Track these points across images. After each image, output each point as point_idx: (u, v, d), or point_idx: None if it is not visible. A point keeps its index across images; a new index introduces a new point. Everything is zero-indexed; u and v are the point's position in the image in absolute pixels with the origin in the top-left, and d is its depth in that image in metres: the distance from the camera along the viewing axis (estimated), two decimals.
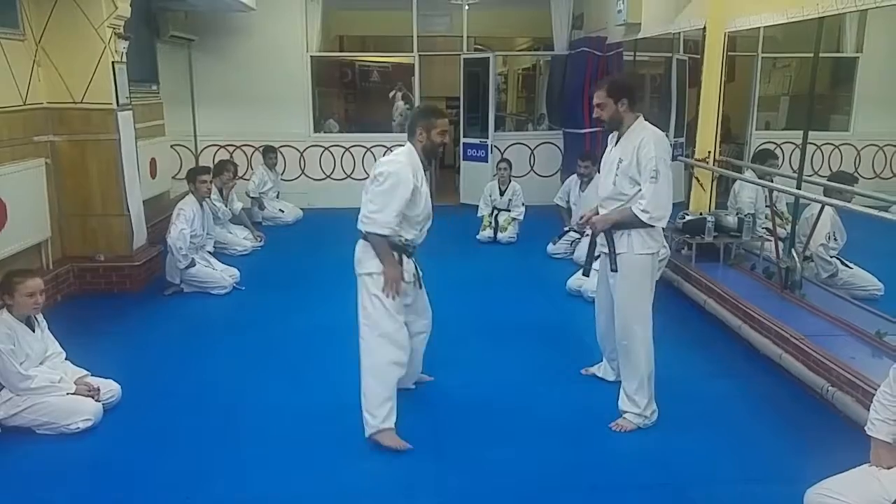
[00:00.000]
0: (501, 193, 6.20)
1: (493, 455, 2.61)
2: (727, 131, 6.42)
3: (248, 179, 6.89)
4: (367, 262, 2.67)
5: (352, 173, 7.58)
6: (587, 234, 5.24)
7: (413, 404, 3.01)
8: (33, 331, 2.85)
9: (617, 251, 2.73)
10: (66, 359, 2.98)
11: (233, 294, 4.62)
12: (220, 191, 5.71)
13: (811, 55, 3.86)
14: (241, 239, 5.75)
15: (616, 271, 2.74)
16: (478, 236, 6.12)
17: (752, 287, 4.04)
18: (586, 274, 2.98)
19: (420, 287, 2.86)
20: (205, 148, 7.47)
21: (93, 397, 2.83)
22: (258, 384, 3.18)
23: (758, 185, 4.65)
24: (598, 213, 2.84)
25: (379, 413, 2.62)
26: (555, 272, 5.00)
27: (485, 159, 7.57)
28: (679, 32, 5.83)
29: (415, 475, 2.49)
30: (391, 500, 2.38)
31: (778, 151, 6.06)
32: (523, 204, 6.16)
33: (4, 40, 3.98)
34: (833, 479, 2.05)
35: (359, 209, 2.65)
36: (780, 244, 3.97)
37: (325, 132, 7.93)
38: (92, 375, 2.95)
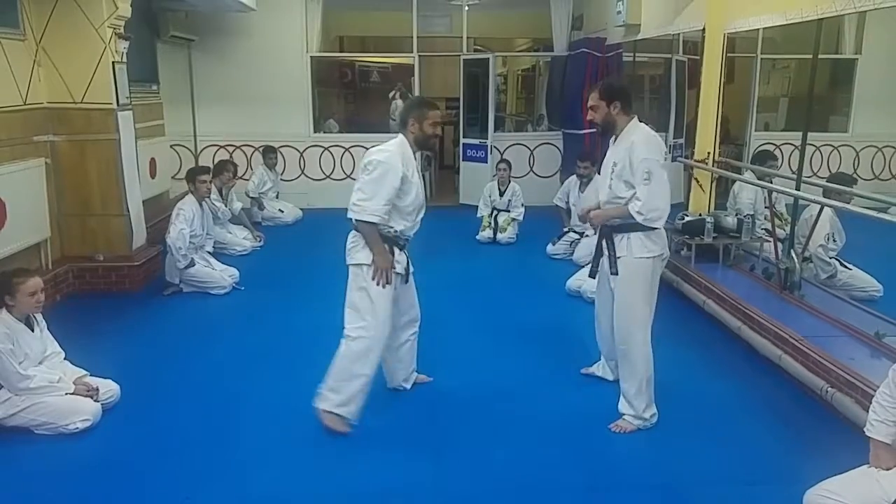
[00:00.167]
0: (501, 194, 6.20)
1: (492, 455, 2.61)
2: (726, 132, 6.43)
3: (247, 179, 6.89)
4: (356, 253, 2.69)
5: (351, 173, 7.57)
6: (587, 235, 5.28)
7: (413, 405, 3.02)
8: (32, 330, 2.84)
9: (617, 254, 2.73)
10: (65, 359, 2.97)
11: (232, 294, 4.62)
12: (220, 191, 5.71)
13: (810, 57, 3.87)
14: (241, 239, 5.75)
15: (616, 274, 2.74)
16: (477, 237, 6.12)
17: (751, 288, 4.04)
18: (592, 276, 2.98)
19: (408, 281, 2.86)
20: (204, 148, 7.47)
21: (92, 397, 2.82)
22: (258, 384, 3.18)
23: (757, 186, 4.66)
24: (598, 208, 2.86)
25: (335, 395, 2.67)
26: (554, 273, 5.00)
27: (484, 160, 7.58)
28: (678, 34, 5.84)
29: (414, 475, 2.49)
30: (391, 500, 2.38)
31: (777, 152, 6.06)
32: (523, 204, 6.16)
33: (5, 40, 3.98)
34: (832, 481, 2.05)
35: None
36: (780, 245, 3.98)
37: (324, 132, 7.93)
38: (91, 375, 2.94)
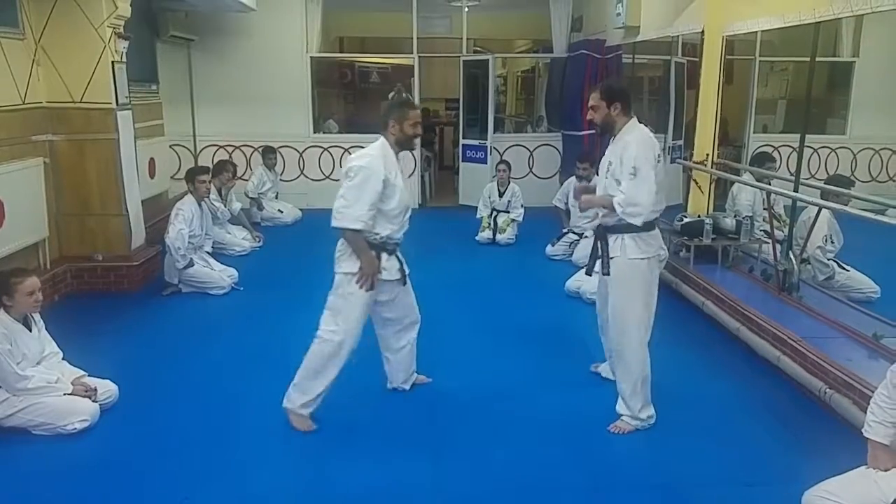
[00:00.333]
0: (500, 195, 6.21)
1: (492, 456, 2.62)
2: (725, 134, 6.44)
3: (246, 180, 6.89)
4: (343, 261, 2.70)
5: None
6: (586, 236, 5.29)
7: (412, 405, 3.02)
8: (30, 330, 2.84)
9: (610, 255, 2.73)
10: (63, 359, 2.97)
11: (231, 294, 4.61)
12: (219, 191, 5.71)
13: (808, 59, 3.88)
14: (240, 239, 5.74)
15: (608, 275, 2.75)
16: (477, 237, 6.12)
17: (749, 289, 4.05)
18: (589, 273, 2.99)
19: (405, 284, 2.85)
20: (204, 148, 7.46)
21: (90, 398, 2.82)
22: (256, 384, 3.17)
23: (756, 187, 4.67)
24: (592, 192, 2.86)
25: (300, 396, 2.74)
26: (554, 273, 5.00)
27: (484, 161, 7.58)
28: (678, 36, 5.85)
29: (413, 476, 2.49)
30: (391, 500, 2.38)
31: (775, 154, 6.08)
32: (522, 205, 6.17)
33: (4, 39, 3.98)
34: (830, 482, 2.05)
35: None
36: (778, 247, 3.98)
37: (324, 133, 7.93)
38: (89, 376, 2.94)
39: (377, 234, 2.68)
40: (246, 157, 7.49)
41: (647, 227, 2.70)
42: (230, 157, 7.20)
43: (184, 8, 6.45)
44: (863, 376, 2.76)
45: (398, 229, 2.76)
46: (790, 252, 3.88)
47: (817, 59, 3.85)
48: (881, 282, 4.18)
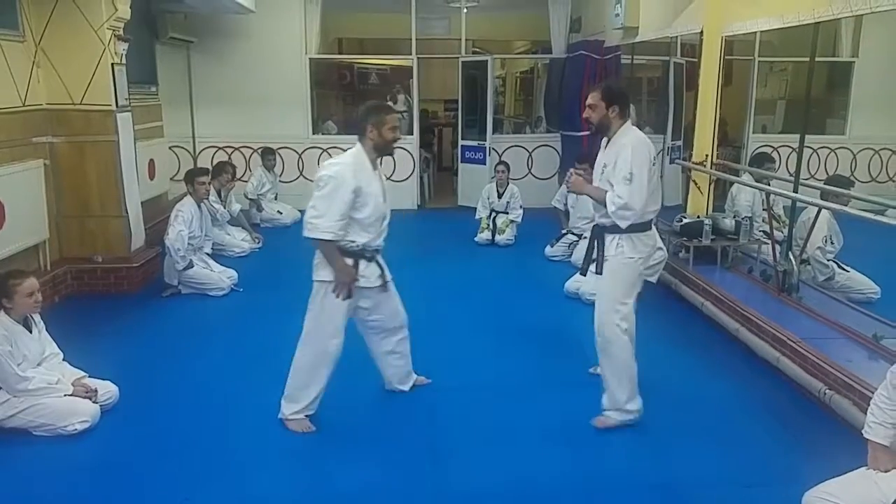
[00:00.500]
0: (499, 196, 6.21)
1: (491, 457, 2.62)
2: (724, 134, 6.45)
3: (246, 181, 6.89)
4: (321, 269, 2.69)
5: None
6: (585, 237, 5.28)
7: (412, 406, 3.02)
8: (30, 332, 2.84)
9: (606, 255, 2.73)
10: (63, 360, 2.97)
11: (231, 296, 4.61)
12: (219, 192, 5.71)
13: (807, 60, 3.89)
14: (240, 240, 5.74)
15: (600, 274, 2.76)
16: (476, 238, 6.13)
17: (749, 290, 4.06)
18: (583, 273, 3.00)
19: (386, 290, 2.84)
20: (203, 149, 7.46)
21: (90, 399, 2.82)
22: (256, 385, 3.17)
23: (755, 188, 4.67)
24: (586, 180, 2.83)
25: (292, 406, 2.76)
26: (553, 274, 5.00)
27: (483, 162, 7.59)
28: (676, 36, 5.86)
29: (413, 477, 2.49)
30: (390, 501, 2.38)
31: (775, 155, 6.09)
32: (521, 206, 6.18)
33: (4, 41, 3.98)
34: (831, 483, 2.05)
35: None
36: (777, 247, 3.99)
37: (323, 134, 7.93)
38: (89, 377, 2.94)
39: (354, 241, 2.66)
40: (245, 158, 7.49)
41: (643, 227, 2.70)
42: (229, 158, 7.21)
43: (183, 10, 6.45)
44: (863, 377, 2.76)
45: (376, 237, 2.73)
46: (790, 253, 3.88)
47: (817, 59, 3.85)
48: (881, 282, 4.18)
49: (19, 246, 4.05)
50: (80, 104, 4.40)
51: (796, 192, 3.83)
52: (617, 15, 5.89)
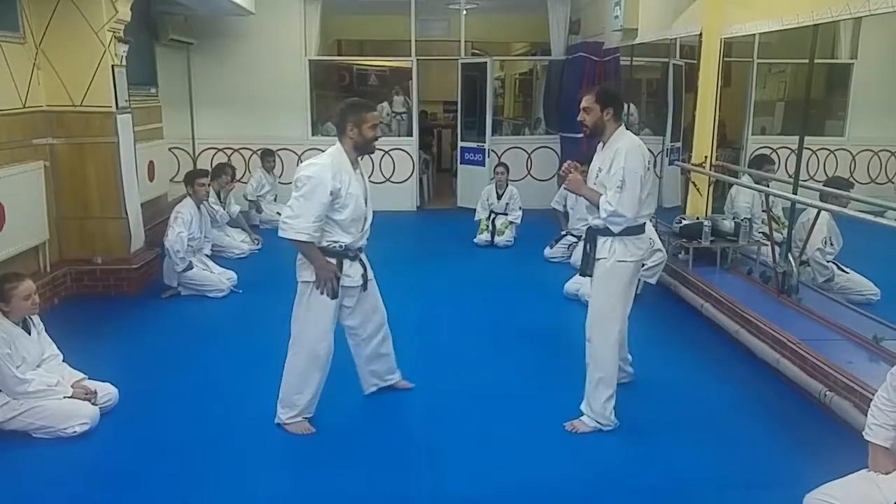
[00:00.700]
0: (499, 197, 6.22)
1: (490, 459, 2.61)
2: (723, 136, 6.47)
3: (245, 182, 6.89)
4: (304, 270, 2.69)
5: None
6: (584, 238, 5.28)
7: (411, 408, 3.02)
8: (29, 333, 2.83)
9: (598, 256, 2.73)
10: (63, 361, 2.96)
11: (230, 297, 4.61)
12: (218, 194, 5.70)
13: (806, 61, 3.90)
14: (239, 242, 5.74)
15: (591, 276, 2.75)
16: (475, 240, 6.13)
17: (748, 291, 4.06)
18: (582, 274, 2.99)
19: (366, 289, 2.82)
20: (203, 151, 7.46)
21: (90, 401, 2.81)
22: (256, 387, 3.16)
23: (754, 189, 4.68)
24: (577, 176, 2.79)
25: (288, 410, 2.75)
26: (552, 276, 5.00)
27: (482, 163, 7.59)
28: (675, 38, 5.87)
29: (411, 479, 2.49)
30: (389, 503, 2.37)
31: (774, 156, 6.10)
32: (520, 208, 6.18)
33: (4, 43, 3.98)
34: (832, 485, 2.05)
35: None
36: (777, 249, 3.99)
37: (322, 135, 7.93)
38: (89, 378, 2.93)
39: (337, 241, 2.65)
40: (245, 159, 7.49)
41: (636, 230, 2.70)
42: (229, 159, 7.22)
43: (183, 12, 6.46)
44: (863, 379, 2.76)
45: (358, 238, 2.71)
46: (789, 254, 3.89)
47: (816, 61, 3.86)
48: (881, 284, 4.19)
49: (19, 247, 4.05)
50: (81, 106, 4.40)
51: (795, 194, 3.83)
52: (616, 17, 5.90)
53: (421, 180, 8.06)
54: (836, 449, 2.52)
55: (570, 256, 5.45)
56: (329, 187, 2.54)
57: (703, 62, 4.65)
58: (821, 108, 7.72)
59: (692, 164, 4.80)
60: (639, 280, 4.11)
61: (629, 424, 2.81)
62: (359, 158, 2.71)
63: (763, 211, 4.60)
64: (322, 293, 2.64)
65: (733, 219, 4.57)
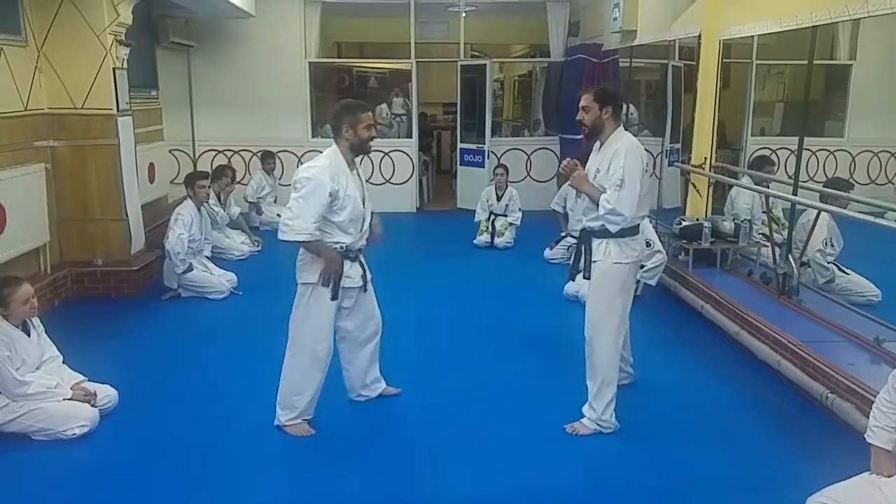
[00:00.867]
0: (498, 199, 6.22)
1: (490, 461, 2.61)
2: (723, 137, 6.47)
3: (246, 184, 6.89)
4: (304, 271, 2.69)
5: None
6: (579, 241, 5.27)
7: (410, 410, 3.02)
8: (29, 335, 2.83)
9: (594, 258, 2.73)
10: (63, 362, 2.96)
11: (230, 299, 4.61)
12: (218, 196, 5.71)
13: (805, 62, 3.90)
14: (239, 244, 5.75)
15: (588, 278, 2.75)
16: (475, 241, 6.13)
17: (749, 293, 4.05)
18: (572, 278, 2.99)
19: (366, 290, 2.83)
20: (203, 153, 7.47)
21: (89, 402, 2.81)
22: (255, 389, 3.15)
23: (754, 191, 4.68)
24: (582, 171, 2.77)
25: (288, 412, 2.74)
26: (551, 277, 5.00)
27: (481, 165, 7.60)
28: (675, 40, 5.87)
29: (412, 481, 2.48)
30: None
31: (773, 157, 6.10)
32: (520, 209, 6.18)
33: (6, 46, 3.99)
34: (834, 487, 2.04)
35: None
36: (777, 250, 3.99)
37: (322, 137, 7.93)
38: (89, 380, 2.93)
39: (338, 243, 2.65)
40: (245, 161, 7.50)
41: (631, 231, 2.69)
42: (229, 161, 7.22)
43: (184, 15, 6.47)
44: (865, 381, 2.76)
45: (358, 238, 2.72)
46: (789, 255, 3.88)
47: (814, 62, 3.86)
48: (882, 285, 4.18)
49: (20, 249, 4.05)
50: (82, 108, 4.41)
51: (795, 195, 3.83)
52: (615, 18, 5.91)
53: (420, 182, 8.06)
54: (838, 451, 2.52)
55: (569, 258, 5.44)
56: (328, 189, 2.55)
57: (702, 63, 4.66)
58: (820, 109, 7.72)
59: (692, 166, 4.81)
60: (639, 281, 4.13)
61: (629, 426, 2.80)
62: (355, 159, 2.72)
63: (763, 212, 4.60)
64: (328, 286, 2.63)
65: (733, 220, 4.57)
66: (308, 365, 2.72)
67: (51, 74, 4.33)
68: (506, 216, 6.17)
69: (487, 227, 6.14)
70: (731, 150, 7.37)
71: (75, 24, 4.29)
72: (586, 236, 2.78)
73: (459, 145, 7.95)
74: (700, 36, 4.68)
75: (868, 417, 2.10)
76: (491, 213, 6.22)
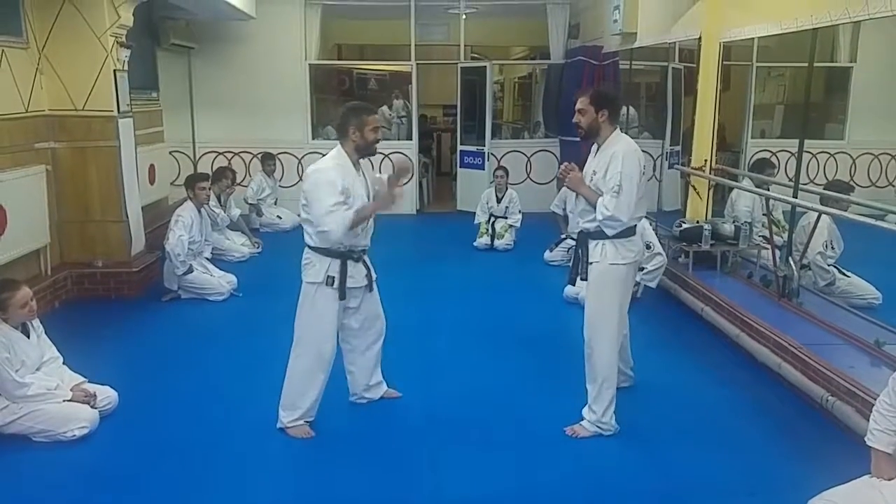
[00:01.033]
0: (498, 201, 6.22)
1: (490, 463, 2.61)
2: (723, 139, 6.46)
3: (246, 186, 6.90)
4: (309, 270, 2.70)
5: None
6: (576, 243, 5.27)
7: (410, 412, 3.01)
8: (28, 337, 2.83)
9: (591, 260, 2.72)
10: (63, 364, 2.96)
11: (230, 300, 4.61)
12: (219, 197, 5.71)
13: (805, 65, 3.90)
14: (239, 245, 5.75)
15: (585, 280, 2.75)
16: (475, 243, 6.13)
17: (749, 295, 4.05)
18: (572, 283, 2.99)
19: (371, 290, 2.83)
20: (203, 154, 7.48)
21: (89, 404, 2.81)
22: (256, 390, 3.16)
23: (754, 193, 4.68)
24: (578, 173, 2.78)
25: (290, 413, 2.75)
26: (552, 279, 5.00)
27: (481, 167, 7.60)
28: (675, 42, 5.88)
29: (412, 482, 2.48)
30: None
31: (773, 160, 6.10)
32: (520, 211, 6.19)
33: (8, 48, 4.00)
34: (834, 491, 2.04)
35: None
36: (777, 252, 3.99)
37: (323, 139, 7.94)
38: (89, 382, 2.93)
39: (342, 242, 2.65)
40: (245, 163, 7.50)
41: (628, 233, 2.69)
42: (229, 163, 7.23)
43: (184, 17, 6.48)
44: (865, 384, 2.75)
45: (363, 237, 2.73)
46: (790, 258, 3.88)
47: (815, 64, 3.86)
48: (882, 288, 4.17)
49: (20, 251, 4.05)
50: (83, 110, 4.41)
51: (796, 197, 3.83)
52: (615, 21, 5.91)
53: (421, 184, 8.07)
54: (838, 454, 2.52)
55: (569, 260, 5.43)
56: (339, 184, 2.57)
57: (702, 66, 4.66)
58: (820, 112, 7.72)
59: (692, 168, 4.81)
60: (639, 283, 4.13)
61: (629, 429, 2.80)
62: (360, 160, 2.73)
63: (763, 214, 4.60)
64: (331, 286, 2.64)
65: (733, 222, 4.57)
66: (312, 365, 2.73)
67: (52, 76, 4.34)
68: (506, 218, 6.17)
69: (487, 230, 6.15)
70: (732, 153, 7.37)
71: (76, 25, 4.29)
72: (583, 238, 2.78)
73: (459, 147, 7.96)
74: (700, 38, 4.68)
75: (868, 420, 2.10)
76: (491, 215, 6.22)
